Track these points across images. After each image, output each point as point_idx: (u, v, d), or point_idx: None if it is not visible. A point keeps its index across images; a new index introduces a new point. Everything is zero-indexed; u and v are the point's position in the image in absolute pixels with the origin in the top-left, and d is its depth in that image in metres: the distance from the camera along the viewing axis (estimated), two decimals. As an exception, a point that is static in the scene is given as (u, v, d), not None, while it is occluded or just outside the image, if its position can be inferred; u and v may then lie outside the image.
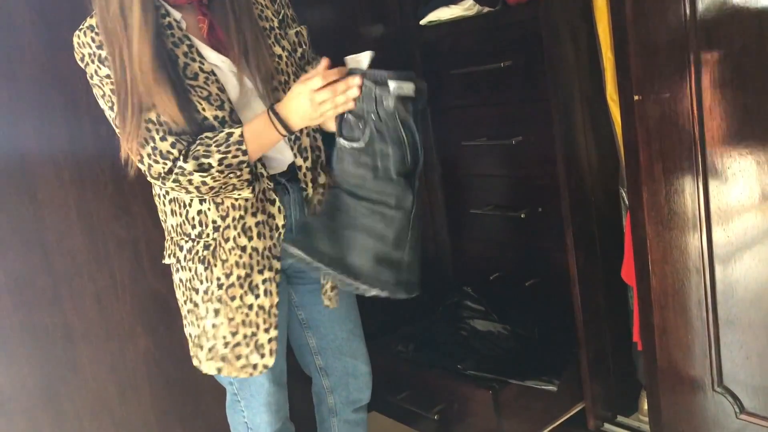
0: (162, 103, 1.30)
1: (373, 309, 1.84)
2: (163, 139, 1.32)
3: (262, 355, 1.44)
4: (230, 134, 1.33)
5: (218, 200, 1.40)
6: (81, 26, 1.35)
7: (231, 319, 1.43)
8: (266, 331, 1.44)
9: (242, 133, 1.33)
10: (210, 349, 1.45)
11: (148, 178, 1.38)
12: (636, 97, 1.58)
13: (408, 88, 1.29)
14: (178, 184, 1.34)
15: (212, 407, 2.03)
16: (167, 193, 1.45)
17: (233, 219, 1.40)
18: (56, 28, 1.71)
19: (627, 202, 1.79)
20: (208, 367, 1.46)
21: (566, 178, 1.86)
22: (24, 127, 1.70)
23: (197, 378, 1.99)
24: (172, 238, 1.48)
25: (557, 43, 1.81)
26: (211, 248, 1.42)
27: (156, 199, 1.51)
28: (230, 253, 1.41)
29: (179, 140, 1.33)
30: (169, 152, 1.32)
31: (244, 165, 1.34)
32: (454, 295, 2.33)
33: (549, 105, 1.85)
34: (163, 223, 1.52)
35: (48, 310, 1.76)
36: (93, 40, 1.33)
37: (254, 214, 1.42)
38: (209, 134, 1.34)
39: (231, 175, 1.33)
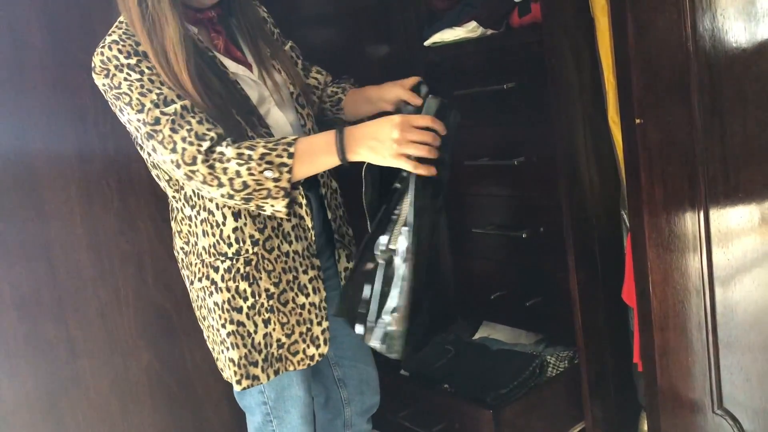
0: (196, 98, 1.32)
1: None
2: (200, 122, 1.32)
3: (318, 346, 1.50)
4: (282, 137, 1.33)
5: (252, 210, 1.39)
6: (101, 45, 1.36)
7: (285, 323, 1.46)
8: (319, 324, 1.50)
9: (295, 139, 1.32)
10: (265, 359, 1.46)
11: (179, 171, 1.32)
12: (637, 120, 1.59)
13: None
14: (212, 170, 1.30)
15: (213, 422, 2.04)
16: (198, 213, 1.44)
17: (272, 228, 1.44)
18: (65, 39, 1.73)
19: (628, 224, 1.80)
20: (266, 377, 1.47)
21: (568, 199, 1.87)
22: (32, 142, 1.72)
23: (198, 392, 2.00)
24: (203, 260, 1.45)
25: (560, 66, 1.83)
26: (253, 263, 1.43)
27: (181, 223, 1.49)
28: (276, 262, 1.45)
29: (216, 126, 1.33)
30: (205, 134, 1.31)
31: (285, 169, 1.29)
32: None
33: (551, 126, 1.87)
34: (188, 247, 1.49)
35: (52, 323, 1.77)
36: (120, 52, 1.34)
37: (289, 220, 1.46)
38: (260, 139, 1.35)
39: (268, 173, 1.29)
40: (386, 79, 1.56)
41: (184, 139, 1.31)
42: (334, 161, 1.33)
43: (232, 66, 1.45)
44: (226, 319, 1.44)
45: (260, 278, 1.44)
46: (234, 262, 1.43)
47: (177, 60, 1.31)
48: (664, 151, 1.56)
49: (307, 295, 1.49)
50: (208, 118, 1.34)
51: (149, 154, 1.43)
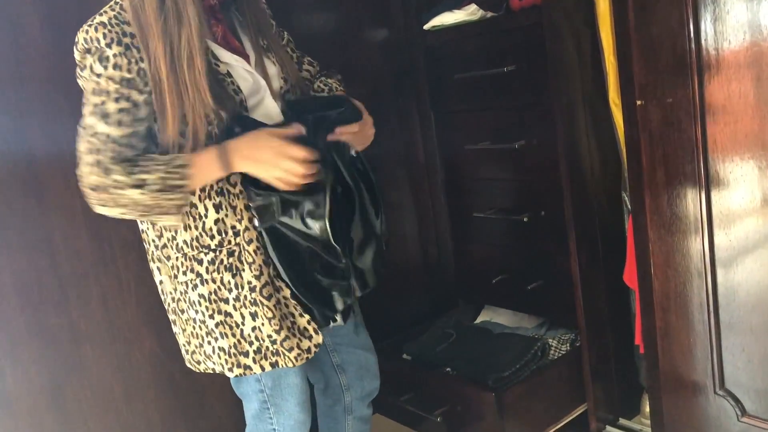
0: (199, 94, 1.32)
1: (377, 310, 1.85)
2: (113, 159, 1.32)
3: (310, 338, 1.47)
4: (176, 157, 1.34)
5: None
6: (89, 22, 1.34)
7: (271, 318, 1.43)
8: (301, 315, 1.47)
9: (190, 159, 1.34)
10: (257, 351, 1.45)
11: (81, 185, 1.35)
12: (638, 102, 1.59)
13: None
14: (109, 196, 1.33)
15: (216, 408, 2.04)
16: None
17: (249, 219, 1.42)
18: (63, 31, 1.72)
19: (629, 206, 1.80)
20: (259, 368, 1.46)
21: (569, 182, 1.87)
22: (32, 130, 1.71)
23: (202, 379, 2.01)
24: (185, 254, 1.44)
25: (560, 48, 1.82)
26: (236, 254, 1.42)
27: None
28: (256, 254, 1.42)
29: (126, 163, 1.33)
30: (109, 169, 1.32)
31: (179, 189, 1.34)
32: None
33: (552, 109, 1.86)
34: (160, 240, 1.47)
35: (54, 311, 1.77)
36: (105, 36, 1.31)
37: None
38: (155, 154, 1.36)
39: (165, 196, 1.33)
40: (385, 65, 1.59)
41: (89, 164, 1.32)
42: (221, 175, 1.38)
43: (226, 56, 1.43)
44: (214, 310, 1.44)
45: (243, 270, 1.43)
46: (217, 253, 1.43)
47: (196, 63, 1.31)
48: (665, 132, 1.56)
49: (285, 288, 1.46)
50: (122, 155, 1.32)
51: None
